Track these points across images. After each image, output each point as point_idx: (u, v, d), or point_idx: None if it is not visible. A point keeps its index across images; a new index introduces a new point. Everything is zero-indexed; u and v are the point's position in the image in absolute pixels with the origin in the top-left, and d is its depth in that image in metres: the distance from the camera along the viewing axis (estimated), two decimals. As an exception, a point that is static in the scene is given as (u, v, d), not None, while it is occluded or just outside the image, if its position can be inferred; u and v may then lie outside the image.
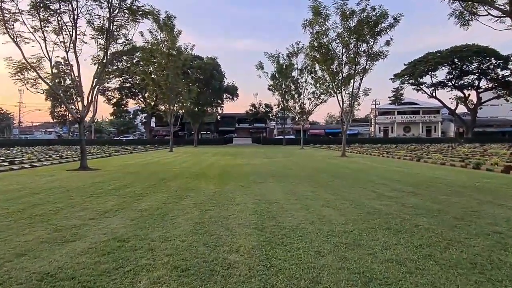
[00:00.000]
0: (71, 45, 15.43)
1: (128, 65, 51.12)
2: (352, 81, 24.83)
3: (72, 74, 16.06)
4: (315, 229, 5.10)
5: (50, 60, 14.93)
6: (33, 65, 15.01)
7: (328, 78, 26.76)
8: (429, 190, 8.93)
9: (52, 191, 8.91)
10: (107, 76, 17.56)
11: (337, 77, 24.86)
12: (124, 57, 54.17)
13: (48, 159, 21.99)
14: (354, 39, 23.60)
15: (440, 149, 32.41)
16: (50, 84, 15.25)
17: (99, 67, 15.91)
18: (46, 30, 14.95)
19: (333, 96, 41.97)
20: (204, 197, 7.97)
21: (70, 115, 70.57)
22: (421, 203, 7.17)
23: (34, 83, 15.95)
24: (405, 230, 5.05)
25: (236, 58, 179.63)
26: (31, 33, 14.54)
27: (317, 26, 24.12)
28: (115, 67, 62.30)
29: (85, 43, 16.14)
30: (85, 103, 15.64)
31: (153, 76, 35.51)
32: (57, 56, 16.14)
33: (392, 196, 7.94)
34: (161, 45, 33.51)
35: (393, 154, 25.45)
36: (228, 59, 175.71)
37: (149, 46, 32.94)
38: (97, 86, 15.77)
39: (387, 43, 24.00)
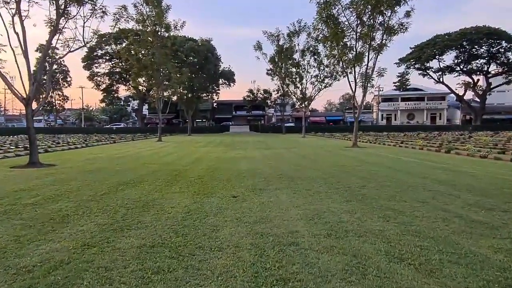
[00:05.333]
0: (15, 5, 11.82)
1: (117, 48, 47.26)
2: (365, 59, 21.29)
3: (20, 44, 12.39)
4: None
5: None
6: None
7: (337, 56, 23.01)
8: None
9: None
10: (64, 47, 13.88)
11: (350, 53, 21.23)
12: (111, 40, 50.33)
13: (8, 151, 18.61)
14: (370, 9, 19.96)
15: (457, 138, 29.11)
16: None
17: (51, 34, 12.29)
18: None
19: (338, 80, 38.63)
20: (165, 227, 4.60)
21: (56, 102, 66.69)
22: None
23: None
24: None
25: (232, 47, 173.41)
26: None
27: (325, -7, 20.42)
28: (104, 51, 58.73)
29: (36, 3, 12.54)
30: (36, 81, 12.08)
31: (139, 56, 31.69)
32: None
33: (494, 226, 4.61)
34: (147, 21, 29.70)
35: (411, 144, 22.09)
36: (224, 47, 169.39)
37: (135, 25, 29.28)
38: (46, 57, 12.19)
39: (408, 14, 20.40)
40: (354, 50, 21.06)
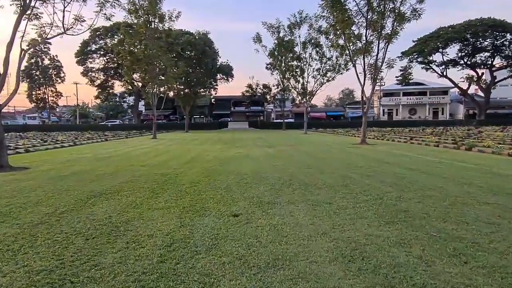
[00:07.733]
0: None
1: (111, 43, 45.46)
2: (375, 49, 19.62)
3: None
4: None
5: None
6: None
7: (342, 45, 21.29)
8: None
9: None
10: (41, 33, 12.28)
11: (360, 41, 19.55)
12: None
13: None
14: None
15: (466, 133, 27.56)
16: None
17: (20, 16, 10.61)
18: None
19: (341, 74, 36.93)
20: (129, 278, 2.98)
21: (49, 98, 64.59)
22: None
23: None
24: None
25: (230, 42, 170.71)
26: None
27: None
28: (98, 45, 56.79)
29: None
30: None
31: (132, 49, 29.91)
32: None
33: None
34: (139, 11, 27.95)
35: (423, 140, 20.48)
36: (221, 41, 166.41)
37: (127, 16, 27.56)
38: (13, 42, 10.53)
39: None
40: (364, 38, 19.36)
